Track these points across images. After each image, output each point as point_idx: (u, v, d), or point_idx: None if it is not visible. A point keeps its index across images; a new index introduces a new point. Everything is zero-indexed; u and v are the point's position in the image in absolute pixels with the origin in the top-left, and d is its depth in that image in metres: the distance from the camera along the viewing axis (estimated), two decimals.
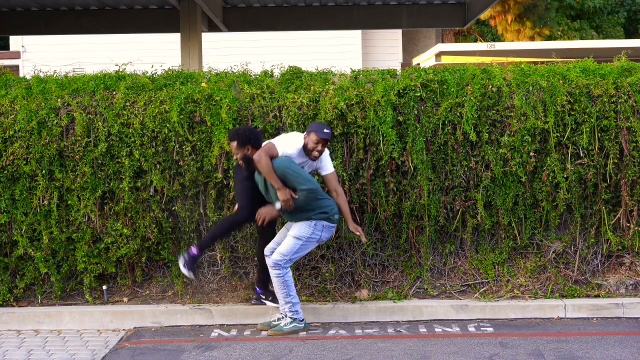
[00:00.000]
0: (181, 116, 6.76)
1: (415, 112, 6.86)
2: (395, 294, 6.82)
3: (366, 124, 6.79)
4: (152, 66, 7.90)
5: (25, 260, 6.97)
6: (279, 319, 6.31)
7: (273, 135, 6.83)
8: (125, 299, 6.90)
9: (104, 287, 6.89)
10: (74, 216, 6.87)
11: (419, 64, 14.83)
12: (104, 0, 12.01)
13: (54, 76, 7.19)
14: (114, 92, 6.93)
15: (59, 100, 6.88)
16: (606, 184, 6.95)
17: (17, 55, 19.29)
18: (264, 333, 6.30)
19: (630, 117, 6.85)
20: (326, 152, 6.32)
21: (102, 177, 6.85)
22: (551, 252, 7.00)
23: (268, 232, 6.41)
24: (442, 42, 21.91)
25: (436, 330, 6.37)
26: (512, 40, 21.86)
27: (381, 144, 6.82)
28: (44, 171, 6.82)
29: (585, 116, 6.87)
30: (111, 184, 6.86)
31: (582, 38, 24.08)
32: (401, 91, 6.89)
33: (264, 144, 6.21)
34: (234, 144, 6.16)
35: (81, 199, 6.85)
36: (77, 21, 12.65)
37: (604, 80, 6.93)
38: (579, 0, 25.50)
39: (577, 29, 24.62)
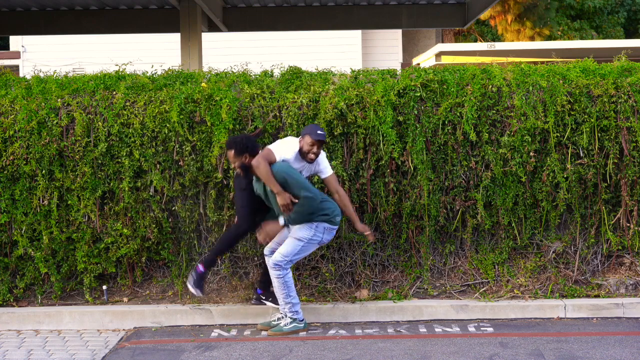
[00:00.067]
0: (181, 116, 6.76)
1: (415, 112, 6.87)
2: (395, 294, 6.82)
3: (366, 124, 6.79)
4: (152, 66, 7.90)
5: (25, 260, 6.97)
6: (278, 319, 6.31)
7: (273, 135, 6.83)
8: (125, 299, 6.90)
9: (104, 287, 6.90)
10: (74, 216, 6.87)
11: (419, 64, 14.83)
12: (104, 0, 12.01)
13: (54, 76, 7.19)
14: (114, 92, 6.93)
15: (59, 100, 6.89)
16: (606, 184, 6.95)
17: (17, 55, 19.29)
18: (264, 333, 6.30)
19: (630, 117, 6.85)
20: (323, 154, 6.32)
21: (102, 177, 6.85)
22: (551, 252, 7.00)
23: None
24: (442, 42, 21.91)
25: (436, 330, 6.37)
26: (512, 40, 21.86)
27: (381, 144, 6.82)
28: (44, 171, 6.82)
29: (585, 116, 6.87)
30: (111, 184, 6.86)
31: (582, 38, 24.08)
32: (401, 91, 6.89)
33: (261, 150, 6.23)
34: (231, 152, 6.13)
35: (81, 199, 6.86)
36: (77, 21, 12.65)
37: (604, 80, 6.93)
38: (579, 0, 25.50)
39: (577, 29, 24.62)
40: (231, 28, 13.04)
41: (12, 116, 6.84)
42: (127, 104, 6.87)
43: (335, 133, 6.79)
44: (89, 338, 6.38)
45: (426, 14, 12.85)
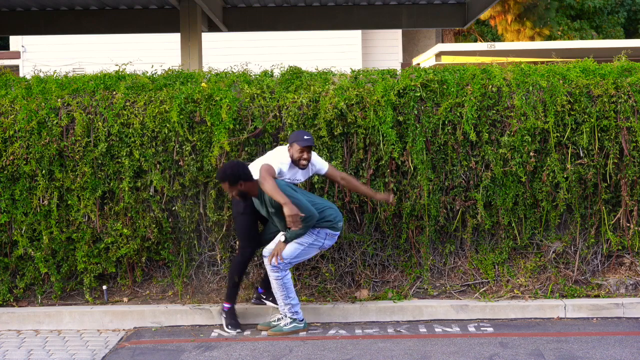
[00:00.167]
0: (181, 116, 6.76)
1: (415, 112, 6.87)
2: (395, 294, 6.82)
3: (366, 124, 6.79)
4: (152, 66, 7.90)
5: (25, 260, 6.97)
6: (278, 319, 6.31)
7: (273, 135, 6.83)
8: (125, 299, 6.90)
9: (104, 287, 6.90)
10: (74, 216, 6.87)
11: (419, 64, 14.83)
12: (104, 0, 12.01)
13: (54, 76, 7.19)
14: (114, 92, 6.93)
15: (59, 100, 6.88)
16: (606, 184, 6.95)
17: (17, 55, 19.29)
18: (264, 333, 6.30)
19: (630, 117, 6.85)
20: (313, 155, 6.32)
21: (102, 177, 6.85)
22: (551, 252, 7.00)
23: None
24: (442, 42, 21.91)
25: (436, 330, 6.37)
26: (512, 40, 21.86)
27: (381, 144, 6.82)
28: (44, 171, 6.82)
29: (585, 116, 6.87)
30: (111, 184, 6.86)
31: (582, 38, 24.08)
32: (401, 91, 6.89)
33: (254, 163, 6.24)
34: (226, 184, 6.03)
35: (81, 199, 6.85)
36: (77, 21, 12.65)
37: (604, 80, 6.93)
38: (579, 0, 25.50)
39: (577, 29, 24.62)
40: (231, 28, 13.04)
41: (12, 116, 6.84)
42: (127, 104, 6.87)
43: (335, 133, 6.79)
44: (89, 338, 6.38)
45: (426, 14, 12.85)
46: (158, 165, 6.83)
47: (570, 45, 16.62)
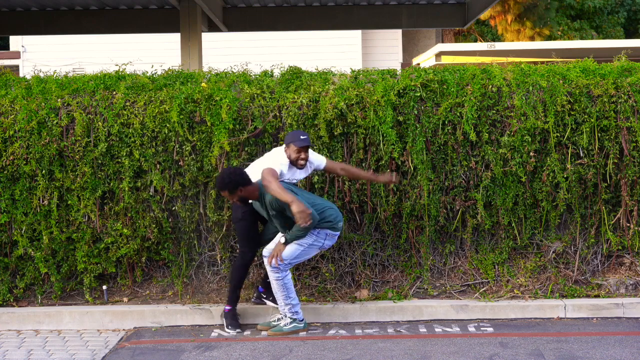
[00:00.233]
0: (181, 116, 6.76)
1: (415, 112, 6.87)
2: (395, 294, 6.82)
3: (366, 124, 6.79)
4: (152, 66, 7.90)
5: (25, 260, 6.97)
6: (278, 319, 6.31)
7: (273, 135, 6.83)
8: (125, 299, 6.90)
9: (104, 287, 6.89)
10: (74, 216, 6.87)
11: (419, 64, 14.83)
12: (104, 0, 12.01)
13: (54, 76, 7.19)
14: (114, 92, 6.93)
15: (59, 100, 6.88)
16: (606, 184, 6.95)
17: (17, 55, 19.29)
18: (264, 333, 6.30)
19: (630, 117, 6.85)
20: (310, 153, 6.32)
21: (102, 177, 6.85)
22: (551, 252, 7.00)
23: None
24: (442, 42, 21.90)
25: (436, 330, 6.37)
26: (512, 40, 21.86)
27: (381, 144, 6.82)
28: (44, 171, 6.82)
29: (585, 116, 6.87)
30: (111, 184, 6.86)
31: (582, 38, 24.07)
32: (401, 91, 6.89)
33: (251, 167, 6.23)
34: (225, 193, 6.00)
35: (81, 199, 6.85)
36: (77, 21, 12.65)
37: (604, 80, 6.93)
38: (579, 0, 25.49)
39: (577, 29, 24.62)
40: (231, 28, 13.05)
41: (12, 116, 6.84)
42: (127, 104, 6.87)
43: (335, 133, 6.79)
44: (89, 338, 6.38)
45: (426, 14, 12.85)
46: (158, 165, 6.83)
47: (570, 45, 16.61)
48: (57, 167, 6.83)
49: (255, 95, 6.87)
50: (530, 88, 6.90)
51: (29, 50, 19.07)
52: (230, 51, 17.26)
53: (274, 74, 7.28)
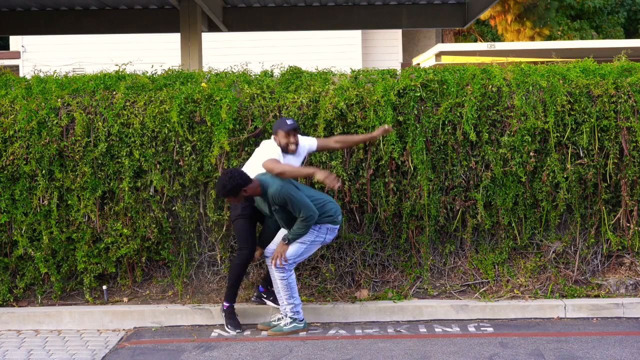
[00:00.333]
0: (181, 116, 6.76)
1: (415, 112, 6.87)
2: (395, 294, 6.82)
3: (366, 124, 6.79)
4: (152, 66, 7.90)
5: (25, 260, 6.97)
6: (279, 319, 6.31)
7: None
8: (125, 299, 6.90)
9: (104, 287, 6.89)
10: (74, 216, 6.87)
11: (419, 64, 14.83)
12: (104, 0, 12.01)
13: (54, 76, 7.19)
14: (114, 92, 6.93)
15: (59, 100, 6.88)
16: (606, 184, 6.95)
17: (17, 55, 19.29)
18: (264, 333, 6.30)
19: (630, 117, 6.85)
20: (300, 138, 6.32)
21: (102, 177, 6.85)
22: (551, 252, 7.00)
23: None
24: (442, 42, 21.90)
25: (436, 330, 6.37)
26: (512, 40, 21.85)
27: (381, 144, 6.82)
28: (44, 171, 6.82)
29: (585, 116, 6.87)
30: (111, 184, 6.86)
31: (582, 38, 24.07)
32: (401, 91, 6.89)
33: (247, 165, 6.23)
34: (231, 199, 5.99)
35: (81, 199, 6.85)
36: (77, 21, 12.65)
37: (604, 80, 6.93)
38: (579, 0, 25.49)
39: (577, 29, 24.61)
40: (231, 28, 13.05)
41: (12, 116, 6.84)
42: (127, 104, 6.87)
43: (335, 133, 6.79)
44: (89, 338, 6.38)
45: (426, 14, 12.85)
46: (158, 165, 6.83)
47: (570, 45, 16.61)
48: (57, 167, 6.83)
49: (255, 95, 6.87)
50: (530, 88, 6.90)
51: (29, 50, 19.07)
52: (230, 51, 17.26)
53: (274, 74, 7.28)
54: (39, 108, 6.83)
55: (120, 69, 7.24)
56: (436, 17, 12.93)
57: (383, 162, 6.86)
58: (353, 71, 7.20)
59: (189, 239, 6.95)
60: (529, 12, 21.93)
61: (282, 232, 6.27)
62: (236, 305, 6.51)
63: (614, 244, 7.00)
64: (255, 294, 6.71)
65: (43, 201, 6.87)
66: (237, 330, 6.30)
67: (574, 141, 6.90)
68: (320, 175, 5.88)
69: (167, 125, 6.78)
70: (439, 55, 15.74)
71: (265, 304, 6.61)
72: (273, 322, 6.34)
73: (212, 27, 13.02)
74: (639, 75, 6.97)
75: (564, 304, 6.65)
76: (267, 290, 6.57)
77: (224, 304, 6.38)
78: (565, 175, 6.89)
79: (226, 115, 6.69)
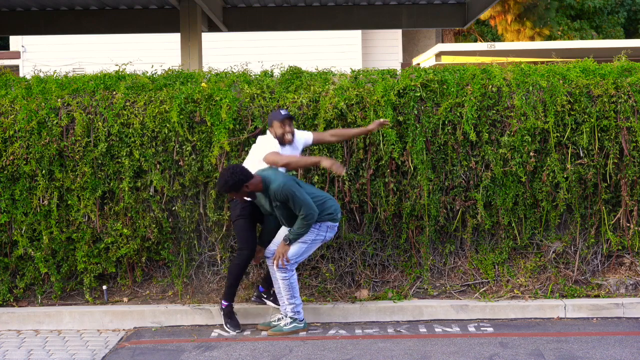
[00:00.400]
0: (181, 116, 6.76)
1: (415, 112, 6.87)
2: (395, 294, 6.82)
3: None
4: (152, 66, 7.90)
5: (25, 260, 6.97)
6: (278, 319, 6.31)
7: None
8: (125, 299, 6.90)
9: (104, 287, 6.90)
10: (74, 216, 6.87)
11: (419, 64, 14.83)
12: (104, 0, 12.01)
13: (54, 76, 7.19)
14: (114, 92, 6.93)
15: (59, 100, 6.89)
16: (606, 184, 6.95)
17: (17, 55, 19.29)
18: (264, 333, 6.30)
19: (630, 117, 6.85)
20: (296, 131, 6.34)
21: (102, 177, 6.85)
22: (551, 252, 7.00)
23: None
24: (442, 42, 21.90)
25: (436, 330, 6.37)
26: (512, 40, 21.85)
27: (381, 144, 6.82)
28: (44, 171, 6.82)
29: (585, 116, 6.87)
30: (111, 184, 6.86)
31: (582, 38, 24.07)
32: (401, 91, 6.89)
33: (247, 161, 6.23)
34: (233, 194, 6.00)
35: (81, 199, 6.86)
36: (77, 21, 12.65)
37: (604, 80, 6.93)
38: (579, 0, 25.49)
39: (577, 29, 24.61)
40: (231, 28, 13.05)
41: (12, 116, 6.84)
42: (127, 104, 6.87)
43: None
44: (89, 338, 6.38)
45: (426, 14, 12.85)
46: (158, 165, 6.83)
47: (570, 45, 16.61)
48: (57, 167, 6.83)
49: (255, 95, 6.87)
50: (530, 88, 6.90)
51: (29, 50, 19.07)
52: (230, 51, 17.27)
53: (274, 74, 7.28)
54: (39, 108, 6.83)
55: (120, 69, 7.24)
56: (436, 17, 12.93)
57: (383, 162, 6.86)
58: (353, 71, 7.20)
59: (189, 239, 6.96)
60: (529, 12, 21.93)
61: (282, 231, 6.27)
62: (237, 306, 6.51)
63: (614, 244, 7.00)
64: (255, 293, 6.71)
65: (43, 201, 6.87)
66: (237, 330, 6.30)
67: (574, 141, 6.91)
68: (326, 162, 5.93)
69: (167, 125, 6.78)
70: (439, 55, 15.74)
71: (265, 304, 6.61)
72: (273, 322, 6.34)
73: (212, 27, 13.02)
74: (639, 75, 6.97)
75: (564, 304, 6.66)
76: (267, 290, 6.57)
77: (223, 302, 6.38)
78: (565, 175, 6.89)
79: (226, 115, 6.69)
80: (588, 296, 6.83)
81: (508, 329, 6.37)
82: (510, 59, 9.79)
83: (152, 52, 17.12)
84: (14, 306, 6.87)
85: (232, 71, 7.33)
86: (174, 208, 6.91)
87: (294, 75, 7.15)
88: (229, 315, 6.35)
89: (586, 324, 6.49)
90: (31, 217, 6.87)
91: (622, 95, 6.87)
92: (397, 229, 7.00)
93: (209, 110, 6.77)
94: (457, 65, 7.37)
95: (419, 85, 6.88)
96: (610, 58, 7.57)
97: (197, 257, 6.99)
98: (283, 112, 6.21)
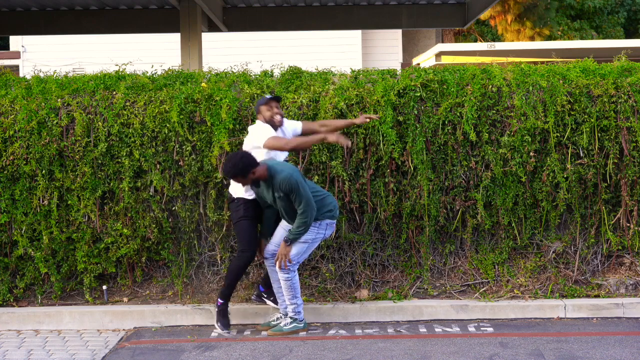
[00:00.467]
0: (181, 116, 6.76)
1: (415, 112, 6.87)
2: (395, 294, 6.82)
3: (366, 124, 6.79)
4: (152, 66, 7.90)
5: (25, 260, 6.97)
6: (278, 319, 6.31)
7: None
8: (125, 299, 6.90)
9: (104, 287, 6.90)
10: (74, 216, 6.87)
11: (419, 64, 14.83)
12: (104, 0, 12.01)
13: (54, 76, 7.19)
14: (114, 92, 6.94)
15: (59, 100, 6.89)
16: (606, 184, 6.95)
17: (17, 55, 19.29)
18: (264, 333, 6.30)
19: (630, 117, 6.85)
20: (285, 120, 6.35)
21: (102, 177, 6.85)
22: (551, 252, 7.00)
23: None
24: (442, 42, 21.91)
25: (436, 330, 6.37)
26: (512, 40, 21.86)
27: (381, 144, 6.82)
28: (44, 171, 6.82)
29: (585, 116, 6.87)
30: (111, 184, 6.86)
31: (582, 38, 24.08)
32: (401, 91, 6.89)
33: (251, 142, 6.23)
34: (239, 179, 5.98)
35: (81, 199, 6.86)
36: (77, 21, 12.65)
37: (604, 80, 6.93)
38: (579, 0, 25.50)
39: (577, 29, 24.62)
40: (231, 28, 13.05)
41: (12, 116, 6.84)
42: (127, 104, 6.87)
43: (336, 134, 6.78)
44: (89, 338, 6.38)
45: (426, 14, 12.85)
46: (158, 165, 6.83)
47: (570, 45, 16.62)
48: (57, 167, 6.83)
49: (255, 95, 6.87)
50: (530, 88, 6.90)
51: (29, 50, 19.07)
52: (230, 51, 17.27)
53: (274, 74, 7.28)
54: (39, 108, 6.83)
55: (120, 69, 7.24)
56: (436, 17, 12.93)
57: (383, 162, 6.86)
58: (353, 71, 7.20)
59: (189, 239, 6.96)
60: (529, 12, 21.94)
61: (280, 231, 6.26)
62: (237, 305, 6.51)
63: (614, 244, 7.00)
64: (255, 293, 6.71)
65: (43, 201, 6.87)
66: (225, 330, 6.27)
67: (574, 141, 6.91)
68: (331, 137, 6.01)
69: (167, 125, 6.78)
70: (439, 55, 15.74)
71: (265, 303, 6.61)
72: (273, 322, 6.34)
73: (212, 27, 13.02)
74: (639, 75, 6.97)
75: (564, 304, 6.66)
76: (267, 290, 6.57)
77: (219, 300, 6.35)
78: (565, 175, 6.89)
79: (226, 115, 6.69)
80: (588, 296, 6.83)
81: (508, 329, 6.37)
82: (510, 59, 9.79)
83: (152, 52, 17.12)
84: (14, 306, 6.87)
85: (232, 71, 7.33)
86: (174, 208, 6.91)
87: (294, 75, 7.15)
88: (222, 314, 6.34)
89: (586, 324, 6.49)
90: (31, 217, 6.87)
91: (622, 95, 6.87)
92: (397, 229, 7.00)
93: (209, 110, 6.77)
94: (457, 65, 7.37)
95: (419, 85, 6.88)
96: (610, 58, 7.57)
97: (197, 257, 6.99)
98: (268, 96, 6.25)
